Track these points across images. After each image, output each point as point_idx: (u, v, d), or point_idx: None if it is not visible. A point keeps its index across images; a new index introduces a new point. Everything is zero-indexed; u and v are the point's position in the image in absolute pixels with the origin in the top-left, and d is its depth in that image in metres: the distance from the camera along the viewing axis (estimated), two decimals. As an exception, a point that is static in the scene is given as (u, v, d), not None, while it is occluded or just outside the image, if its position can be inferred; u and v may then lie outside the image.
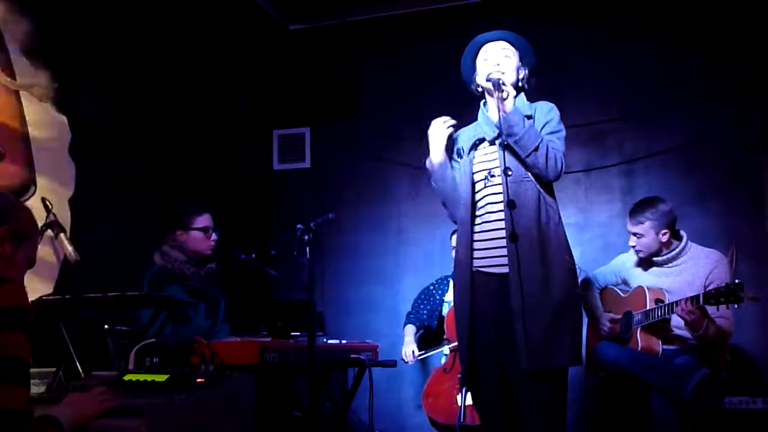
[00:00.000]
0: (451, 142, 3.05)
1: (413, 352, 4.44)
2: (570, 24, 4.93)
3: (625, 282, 3.86)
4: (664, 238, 3.59)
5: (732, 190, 4.53)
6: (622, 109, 4.83)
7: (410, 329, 4.57)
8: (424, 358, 4.48)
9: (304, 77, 5.33)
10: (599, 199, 4.84)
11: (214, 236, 3.77)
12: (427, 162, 3.04)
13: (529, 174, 2.82)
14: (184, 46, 4.70)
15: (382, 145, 5.29)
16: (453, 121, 2.99)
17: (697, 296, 3.27)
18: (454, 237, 4.39)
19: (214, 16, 4.80)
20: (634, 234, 3.64)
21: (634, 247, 3.68)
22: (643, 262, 3.75)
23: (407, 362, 4.47)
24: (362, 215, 5.31)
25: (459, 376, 3.98)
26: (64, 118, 3.78)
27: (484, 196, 2.91)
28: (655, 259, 3.66)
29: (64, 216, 3.61)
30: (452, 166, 3.06)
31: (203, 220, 3.75)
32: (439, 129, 2.98)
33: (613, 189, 4.82)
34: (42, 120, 3.63)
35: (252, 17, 5.07)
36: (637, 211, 3.64)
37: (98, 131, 3.95)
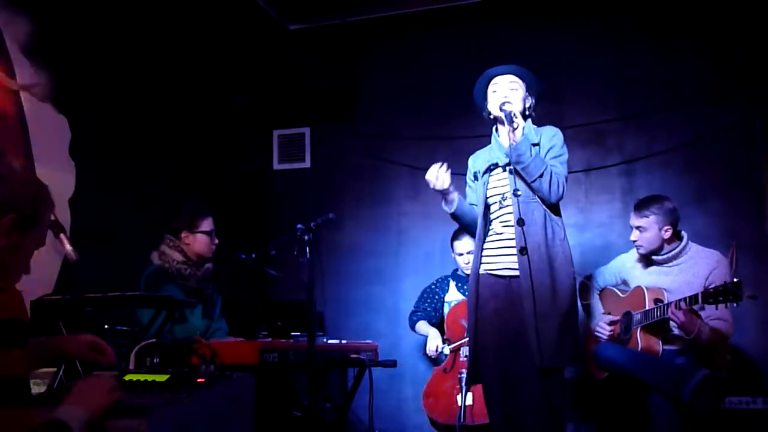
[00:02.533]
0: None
1: (437, 346, 4.35)
2: (570, 24, 4.93)
3: (624, 282, 3.86)
4: (666, 235, 3.59)
5: (732, 190, 4.53)
6: (622, 109, 4.83)
7: (425, 324, 4.52)
8: (455, 347, 4.37)
9: (304, 77, 5.33)
10: (599, 199, 4.84)
11: (216, 240, 3.80)
12: (444, 205, 3.31)
13: (536, 196, 3.12)
14: (184, 46, 4.69)
15: (382, 145, 5.29)
16: (444, 165, 3.15)
17: (696, 295, 3.27)
18: (456, 243, 4.40)
19: (214, 16, 4.80)
20: (638, 228, 3.65)
21: (635, 242, 3.68)
22: (642, 261, 3.75)
23: (432, 356, 4.39)
24: (362, 215, 5.31)
25: (459, 375, 3.99)
26: (64, 118, 3.77)
27: (498, 217, 3.22)
28: (655, 257, 3.66)
29: (64, 216, 3.61)
30: (465, 193, 3.38)
31: (209, 224, 3.79)
32: (438, 177, 3.14)
33: (613, 189, 4.82)
34: (42, 120, 3.63)
35: (252, 17, 5.07)
36: (642, 205, 3.67)
37: (98, 131, 3.95)
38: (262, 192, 5.52)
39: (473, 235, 3.37)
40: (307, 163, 5.51)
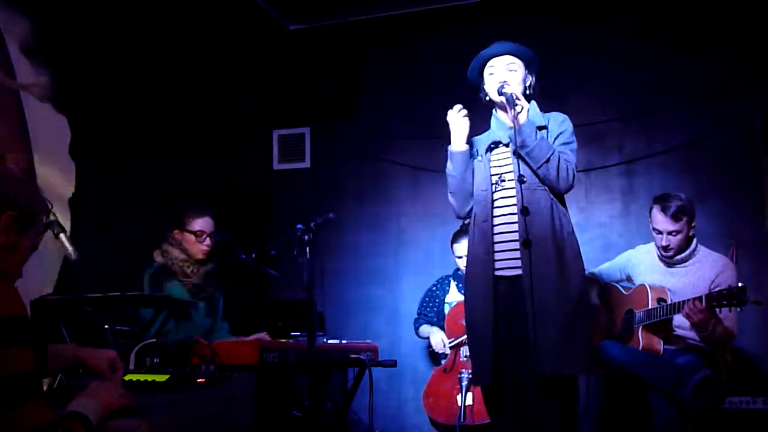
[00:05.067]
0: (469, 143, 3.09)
1: (442, 340, 4.31)
2: (570, 24, 4.93)
3: (629, 278, 3.85)
4: (692, 232, 3.58)
5: (732, 190, 4.53)
6: (622, 109, 4.83)
7: (426, 326, 4.50)
8: (454, 345, 4.29)
9: (304, 77, 5.33)
10: (599, 199, 4.84)
11: (207, 241, 3.77)
12: (449, 147, 3.06)
13: (543, 184, 2.89)
14: (184, 46, 4.70)
15: (382, 145, 5.29)
16: (465, 111, 3.02)
17: (700, 298, 3.27)
18: (456, 246, 4.38)
19: (214, 16, 4.80)
20: (671, 233, 3.53)
21: (666, 247, 3.56)
22: (647, 259, 3.73)
23: (440, 352, 4.34)
24: (362, 215, 5.31)
25: (459, 375, 3.99)
26: (64, 118, 3.77)
27: (496, 200, 2.96)
28: (676, 257, 3.63)
29: (64, 216, 3.61)
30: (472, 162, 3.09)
31: (199, 224, 3.76)
32: (456, 117, 3.02)
33: (613, 189, 4.82)
34: (42, 120, 3.63)
35: (252, 17, 5.06)
36: (671, 206, 3.52)
37: (98, 131, 3.95)
38: (262, 192, 5.52)
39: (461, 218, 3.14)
40: (307, 163, 5.50)
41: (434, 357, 4.54)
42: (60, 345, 2.12)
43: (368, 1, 5.08)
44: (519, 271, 2.84)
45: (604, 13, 4.87)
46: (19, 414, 1.61)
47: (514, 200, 2.88)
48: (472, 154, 3.10)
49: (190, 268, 3.70)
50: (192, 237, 3.75)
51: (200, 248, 3.76)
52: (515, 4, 4.90)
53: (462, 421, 3.88)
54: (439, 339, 4.35)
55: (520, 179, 2.83)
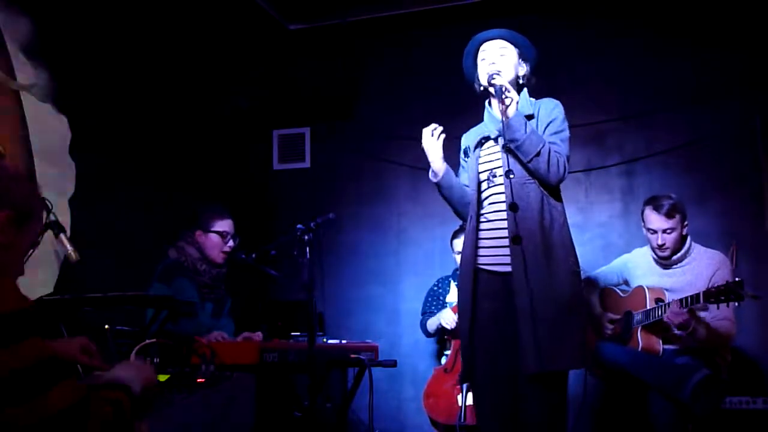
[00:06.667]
0: (456, 144, 3.06)
1: (453, 319, 4.17)
2: (570, 24, 4.93)
3: (626, 282, 3.86)
4: (685, 231, 3.59)
5: (732, 190, 4.53)
6: (622, 109, 4.83)
7: (432, 317, 4.43)
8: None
9: (304, 77, 5.33)
10: (599, 199, 4.84)
11: (231, 243, 3.78)
12: (430, 173, 3.02)
13: (533, 177, 2.82)
14: (184, 46, 4.69)
15: (382, 145, 5.29)
16: (440, 128, 2.97)
17: (698, 294, 3.27)
18: (456, 241, 4.38)
19: (213, 16, 4.80)
20: (666, 230, 3.54)
21: (662, 245, 3.56)
22: (646, 261, 3.73)
23: (451, 328, 4.20)
24: (362, 215, 5.31)
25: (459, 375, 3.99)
26: (64, 118, 3.77)
27: (488, 196, 2.92)
28: (672, 258, 3.63)
29: (64, 216, 3.61)
30: (458, 173, 3.07)
31: (224, 225, 3.78)
32: (430, 138, 2.97)
33: (613, 189, 4.82)
34: (42, 120, 3.63)
35: (252, 17, 5.06)
36: (663, 205, 3.54)
37: (98, 131, 3.95)
38: (262, 192, 5.52)
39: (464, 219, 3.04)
40: (307, 163, 5.51)
41: (444, 345, 4.47)
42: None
43: (368, 1, 5.08)
44: (508, 268, 2.80)
45: (604, 13, 4.87)
46: (57, 390, 1.56)
47: (503, 197, 2.83)
48: (464, 150, 3.09)
49: (202, 266, 3.71)
50: (217, 238, 3.75)
51: (223, 250, 3.76)
52: (515, 4, 4.90)
53: (462, 421, 3.88)
54: (448, 316, 4.22)
55: (508, 174, 2.79)
